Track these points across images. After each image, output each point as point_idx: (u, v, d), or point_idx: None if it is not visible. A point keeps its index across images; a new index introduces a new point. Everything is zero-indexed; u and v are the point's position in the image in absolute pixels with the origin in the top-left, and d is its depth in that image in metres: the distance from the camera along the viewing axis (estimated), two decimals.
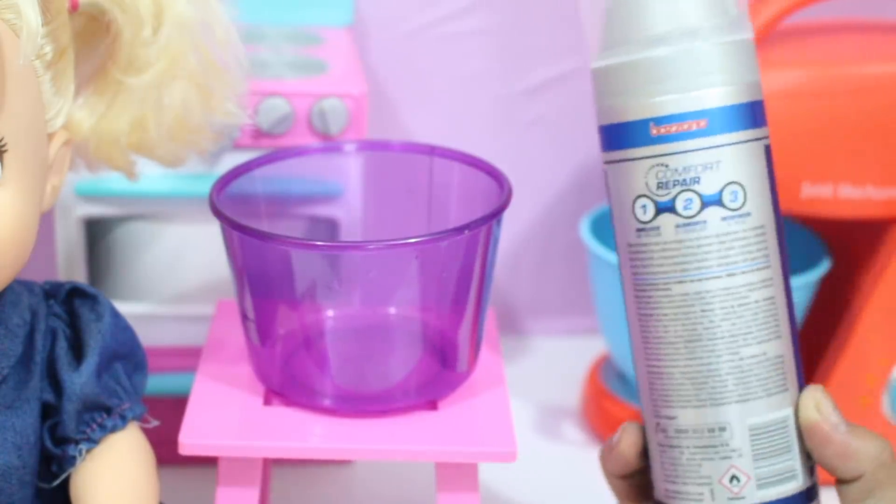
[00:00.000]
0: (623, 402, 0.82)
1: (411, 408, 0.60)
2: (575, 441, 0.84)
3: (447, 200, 0.66)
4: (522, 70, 0.93)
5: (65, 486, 0.57)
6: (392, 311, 0.63)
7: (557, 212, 0.96)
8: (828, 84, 0.73)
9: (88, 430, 0.56)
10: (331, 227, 0.72)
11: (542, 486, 0.77)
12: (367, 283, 0.62)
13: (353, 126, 0.72)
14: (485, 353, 0.65)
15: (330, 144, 0.70)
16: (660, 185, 0.52)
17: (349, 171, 0.70)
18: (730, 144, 0.51)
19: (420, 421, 0.60)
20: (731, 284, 0.52)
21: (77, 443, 0.56)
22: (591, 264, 0.83)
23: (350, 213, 0.71)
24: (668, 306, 0.52)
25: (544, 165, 0.95)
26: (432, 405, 0.61)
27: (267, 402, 0.61)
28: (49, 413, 0.56)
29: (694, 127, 0.51)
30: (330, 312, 0.64)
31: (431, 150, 0.66)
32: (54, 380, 0.56)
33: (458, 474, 0.58)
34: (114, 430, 0.57)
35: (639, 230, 0.53)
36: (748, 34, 0.53)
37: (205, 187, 0.62)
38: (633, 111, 0.52)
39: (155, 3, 0.56)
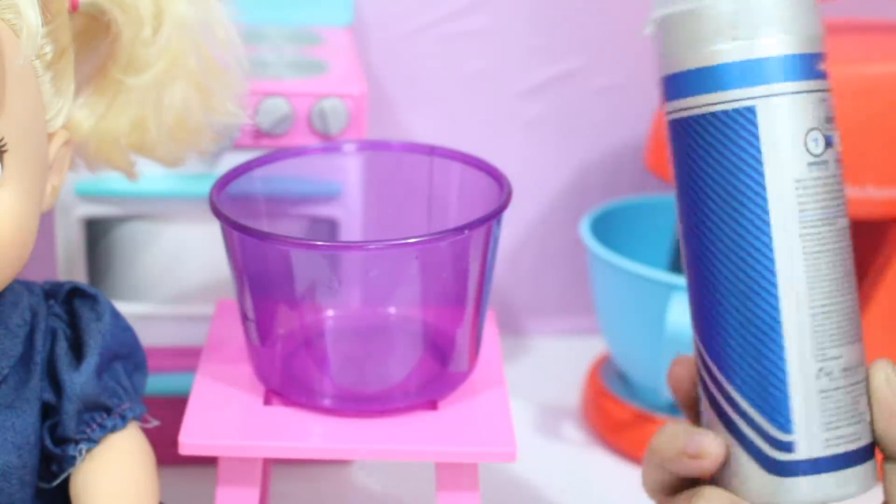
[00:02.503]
0: (623, 402, 0.82)
1: (411, 408, 0.60)
2: (575, 441, 0.84)
3: (447, 200, 0.66)
4: (522, 70, 0.93)
5: (65, 486, 0.57)
6: (392, 310, 0.63)
7: (557, 212, 0.97)
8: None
9: (88, 430, 0.56)
10: (331, 227, 0.72)
11: (542, 486, 0.77)
12: (367, 283, 0.62)
13: (353, 126, 0.72)
14: (485, 353, 0.65)
15: (330, 144, 0.70)
16: (828, 119, 0.53)
17: (349, 171, 0.70)
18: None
19: (420, 421, 0.60)
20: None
21: (77, 443, 0.56)
22: (591, 264, 0.83)
23: (350, 213, 0.71)
24: (835, 240, 0.53)
25: (544, 165, 0.95)
26: (432, 405, 0.61)
27: (267, 402, 0.61)
28: (49, 413, 0.56)
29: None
30: (330, 312, 0.64)
31: (431, 150, 0.66)
32: (54, 380, 0.56)
33: (458, 474, 0.58)
34: (114, 430, 0.57)
35: (811, 164, 0.53)
36: None
37: (205, 187, 0.62)
38: (803, 44, 0.53)
39: (155, 4, 0.56)
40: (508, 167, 0.64)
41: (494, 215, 0.59)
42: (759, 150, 0.53)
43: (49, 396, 0.56)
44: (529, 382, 0.89)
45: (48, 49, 0.54)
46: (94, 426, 0.56)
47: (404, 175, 0.68)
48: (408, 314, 0.62)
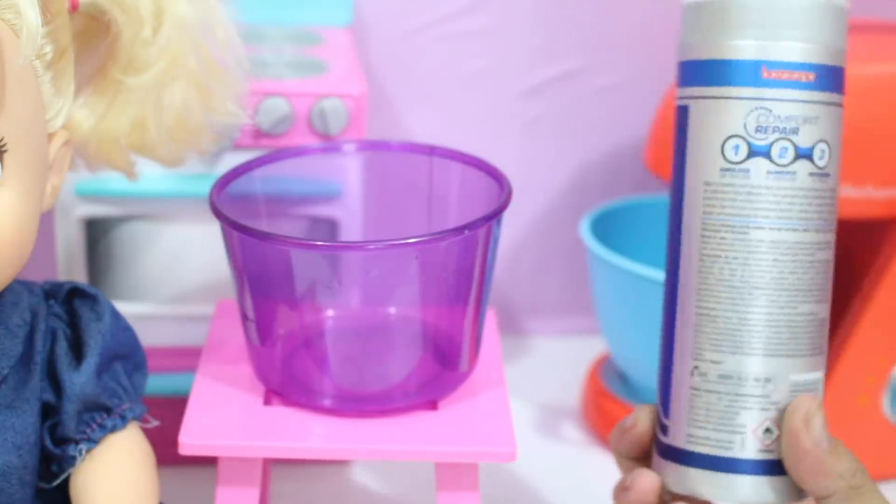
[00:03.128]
0: (623, 402, 0.82)
1: (411, 408, 0.60)
2: (575, 441, 0.84)
3: (447, 200, 0.66)
4: (523, 70, 0.93)
5: (65, 486, 0.57)
6: (392, 310, 0.63)
7: (557, 212, 0.97)
8: None
9: (88, 430, 0.56)
10: (331, 227, 0.72)
11: (542, 486, 0.77)
12: (367, 283, 0.62)
13: (353, 126, 0.72)
14: (485, 353, 0.65)
15: (330, 144, 0.70)
16: (758, 129, 0.52)
17: (349, 171, 0.70)
18: (827, 104, 0.53)
19: (420, 421, 0.60)
20: (804, 240, 0.53)
21: (77, 443, 0.56)
22: (591, 264, 0.83)
23: (350, 213, 0.71)
24: (742, 250, 0.53)
25: (544, 165, 0.95)
26: (432, 405, 0.61)
27: (267, 402, 0.61)
28: (49, 413, 0.56)
29: (803, 78, 0.52)
30: (330, 312, 0.64)
31: (431, 150, 0.66)
32: (54, 380, 0.56)
33: (458, 474, 0.58)
34: (114, 430, 0.57)
35: (724, 169, 0.53)
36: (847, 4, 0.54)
37: (205, 187, 0.62)
38: (745, 50, 0.52)
39: (155, 4, 0.56)
40: (508, 167, 0.64)
41: (494, 215, 0.59)
42: (685, 149, 0.54)
43: (49, 396, 0.56)
44: (529, 382, 0.89)
45: (48, 49, 0.54)
46: (94, 426, 0.56)
47: (404, 175, 0.68)
48: (408, 314, 0.62)
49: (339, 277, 0.60)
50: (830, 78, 0.53)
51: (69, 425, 0.56)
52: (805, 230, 0.53)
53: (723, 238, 0.53)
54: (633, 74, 0.94)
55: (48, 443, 0.56)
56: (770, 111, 0.52)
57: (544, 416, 0.86)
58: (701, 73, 0.54)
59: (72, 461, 0.56)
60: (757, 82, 0.52)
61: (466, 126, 0.93)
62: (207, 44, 0.57)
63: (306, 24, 0.85)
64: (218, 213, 0.58)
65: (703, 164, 0.53)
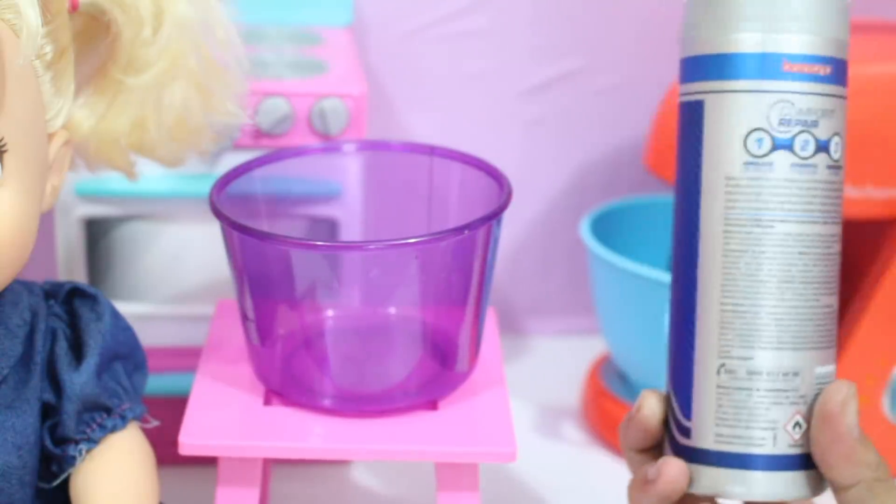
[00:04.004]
0: (623, 402, 0.82)
1: (411, 408, 0.60)
2: (575, 441, 0.84)
3: (447, 200, 0.66)
4: (522, 70, 0.93)
5: (65, 486, 0.57)
6: (392, 311, 0.63)
7: (557, 212, 0.97)
8: None
9: (88, 430, 0.56)
10: (331, 227, 0.72)
11: (542, 486, 0.77)
12: (367, 283, 0.62)
13: (353, 126, 0.72)
14: (485, 353, 0.65)
15: (330, 144, 0.70)
16: (782, 122, 0.52)
17: (349, 171, 0.70)
18: (840, 97, 0.53)
19: (420, 421, 0.60)
20: (825, 232, 0.53)
21: (77, 443, 0.56)
22: (591, 264, 0.83)
23: (350, 213, 0.71)
24: (768, 244, 0.52)
25: (544, 165, 0.95)
26: (432, 405, 0.61)
27: (267, 402, 0.61)
28: (49, 413, 0.56)
29: (822, 71, 0.52)
30: (330, 312, 0.64)
31: (431, 150, 0.66)
32: (54, 380, 0.56)
33: (458, 474, 0.58)
34: (114, 430, 0.57)
35: (747, 163, 0.52)
36: None
37: (205, 187, 0.62)
38: (764, 44, 0.52)
39: (155, 4, 0.56)
40: (508, 167, 0.64)
41: (494, 215, 0.59)
42: (700, 144, 0.54)
43: (49, 396, 0.56)
44: (529, 382, 0.89)
45: (48, 49, 0.54)
46: (94, 426, 0.56)
47: (404, 175, 0.68)
48: (408, 314, 0.62)
49: (338, 277, 0.60)
50: (842, 71, 0.53)
51: (69, 425, 0.56)
52: (825, 222, 0.53)
53: (749, 233, 0.53)
54: (633, 74, 0.94)
55: (48, 443, 0.56)
56: (793, 104, 0.52)
57: (544, 416, 0.86)
58: (716, 66, 0.53)
59: (72, 461, 0.56)
60: (779, 75, 0.52)
61: (466, 126, 0.93)
62: (207, 44, 0.57)
63: (306, 24, 0.85)
64: (218, 213, 0.58)
65: (724, 159, 0.53)
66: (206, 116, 0.59)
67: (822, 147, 0.53)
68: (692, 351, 0.54)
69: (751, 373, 0.53)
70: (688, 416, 0.55)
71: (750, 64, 0.52)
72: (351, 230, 0.72)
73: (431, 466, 0.59)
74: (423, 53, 0.91)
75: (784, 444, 0.53)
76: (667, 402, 0.56)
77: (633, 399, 0.82)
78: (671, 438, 0.56)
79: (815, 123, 0.52)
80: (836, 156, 0.53)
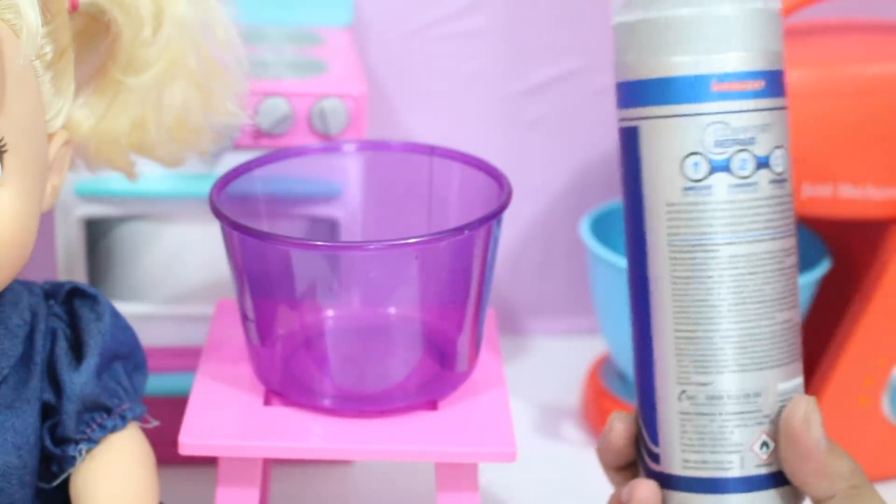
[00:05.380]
0: (623, 402, 0.82)
1: (411, 408, 0.60)
2: (575, 441, 0.84)
3: (447, 200, 0.66)
4: (523, 70, 0.93)
5: (65, 486, 0.57)
6: (392, 311, 0.63)
7: (557, 212, 0.96)
8: (828, 84, 0.73)
9: (88, 431, 0.56)
10: (331, 227, 0.72)
11: (542, 486, 0.77)
12: (367, 283, 0.62)
13: (353, 126, 0.72)
14: (485, 353, 0.65)
15: (330, 144, 0.70)
16: (717, 143, 0.51)
17: (349, 171, 0.70)
18: (777, 109, 0.52)
19: (420, 421, 0.60)
20: (774, 248, 0.52)
21: (77, 443, 0.56)
22: (591, 264, 0.83)
23: (350, 213, 0.71)
24: (715, 268, 0.52)
25: (544, 165, 0.95)
26: (432, 405, 0.61)
27: (267, 402, 0.61)
28: (49, 413, 0.56)
29: (754, 87, 0.51)
30: (330, 312, 0.64)
31: (431, 150, 0.66)
32: (54, 380, 0.56)
33: (458, 474, 0.58)
34: (114, 430, 0.57)
35: (687, 188, 0.52)
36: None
37: (205, 187, 0.62)
38: (692, 66, 0.51)
39: (155, 4, 0.56)
40: (508, 167, 0.64)
41: (494, 215, 0.59)
42: (639, 171, 0.53)
43: (49, 396, 0.56)
44: (529, 382, 0.88)
45: (48, 49, 0.54)
46: (94, 426, 0.56)
47: (404, 175, 0.68)
48: (408, 314, 0.63)
49: (338, 277, 0.60)
50: (778, 83, 0.52)
51: (69, 425, 0.56)
52: (773, 238, 0.52)
53: (694, 258, 0.52)
54: None
55: (48, 443, 0.56)
56: (727, 124, 0.51)
57: (544, 416, 0.86)
58: (647, 92, 0.52)
59: (72, 461, 0.56)
60: (709, 97, 0.51)
61: (466, 126, 0.93)
62: (207, 44, 0.57)
63: (306, 24, 0.85)
64: (218, 213, 0.58)
65: (663, 185, 0.52)
66: (206, 116, 0.59)
67: (762, 163, 0.51)
68: (652, 378, 0.54)
69: (711, 398, 0.52)
70: (655, 441, 0.54)
71: (680, 87, 0.51)
72: (351, 230, 0.72)
73: (431, 466, 0.59)
74: (423, 53, 0.91)
75: (752, 464, 0.52)
76: (636, 424, 0.56)
77: (633, 399, 0.82)
78: (643, 462, 0.55)
79: (751, 141, 0.51)
80: (778, 169, 0.52)
